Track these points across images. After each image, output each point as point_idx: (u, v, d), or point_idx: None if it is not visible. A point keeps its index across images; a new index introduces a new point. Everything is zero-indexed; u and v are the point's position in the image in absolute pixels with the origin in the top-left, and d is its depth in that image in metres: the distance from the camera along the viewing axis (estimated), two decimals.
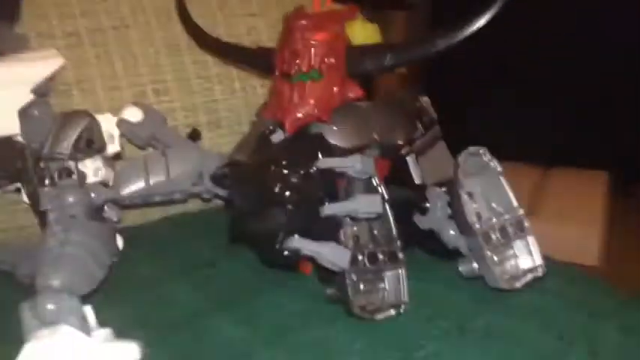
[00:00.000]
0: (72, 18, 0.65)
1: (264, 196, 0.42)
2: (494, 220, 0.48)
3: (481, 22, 0.46)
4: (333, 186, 0.44)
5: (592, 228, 1.44)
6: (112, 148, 0.57)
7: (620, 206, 1.59)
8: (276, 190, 0.41)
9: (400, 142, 0.53)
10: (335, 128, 0.50)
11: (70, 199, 0.46)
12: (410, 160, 0.56)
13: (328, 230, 0.42)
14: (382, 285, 0.46)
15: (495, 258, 0.46)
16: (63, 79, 0.64)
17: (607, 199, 1.56)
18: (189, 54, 0.69)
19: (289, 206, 0.41)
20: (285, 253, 0.41)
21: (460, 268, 0.49)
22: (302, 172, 0.42)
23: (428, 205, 0.52)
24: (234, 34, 0.72)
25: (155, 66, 0.68)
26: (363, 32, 0.53)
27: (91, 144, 0.55)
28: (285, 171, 0.41)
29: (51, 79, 0.57)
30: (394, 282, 0.46)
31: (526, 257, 0.48)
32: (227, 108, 0.71)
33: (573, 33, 1.63)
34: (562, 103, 1.73)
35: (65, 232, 0.44)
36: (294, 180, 0.41)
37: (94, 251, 0.43)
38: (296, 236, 0.41)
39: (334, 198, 0.44)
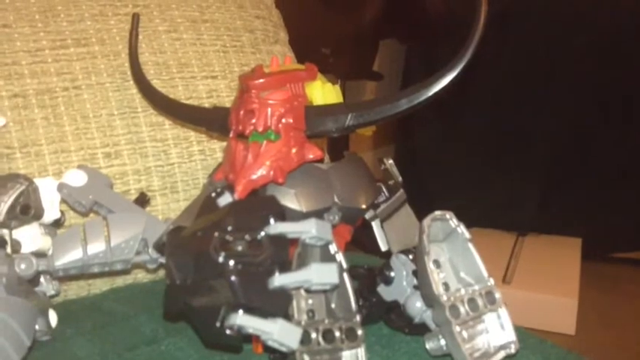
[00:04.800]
0: (20, 78, 0.62)
1: (206, 265, 0.37)
2: (462, 291, 0.44)
3: (444, 82, 0.44)
4: (286, 254, 0.40)
5: (569, 298, 1.41)
6: (52, 214, 0.53)
7: (592, 272, 1.59)
8: (220, 259, 0.36)
9: (363, 207, 0.50)
10: (292, 190, 0.46)
11: None
12: (374, 225, 0.52)
13: (278, 304, 0.38)
14: None
15: (465, 334, 0.42)
16: (6, 142, 0.60)
17: (581, 267, 1.56)
18: (144, 116, 0.66)
19: (233, 277, 0.36)
20: (228, 331, 0.36)
21: (427, 346, 0.44)
22: (249, 238, 0.38)
23: (392, 274, 0.48)
24: (194, 96, 0.70)
25: (108, 128, 0.64)
26: (323, 92, 0.50)
27: (27, 210, 0.51)
28: (230, 237, 0.37)
29: None
30: None
31: (498, 332, 0.44)
32: (184, 172, 0.67)
33: (544, 96, 1.65)
34: (534, 169, 1.73)
35: None
36: (239, 248, 0.37)
37: (10, 330, 0.37)
38: (240, 312, 0.36)
39: (286, 267, 0.39)
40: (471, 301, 0.44)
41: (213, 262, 0.36)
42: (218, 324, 0.36)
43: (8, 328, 0.38)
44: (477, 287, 0.45)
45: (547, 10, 1.59)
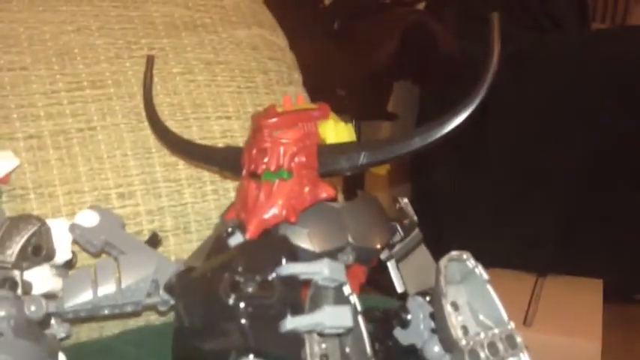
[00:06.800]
0: (36, 120, 0.63)
1: (215, 308, 0.36)
2: (482, 334, 0.42)
3: (457, 121, 0.44)
4: (298, 296, 0.39)
5: (592, 341, 1.37)
6: (63, 255, 0.52)
7: (615, 314, 1.55)
8: (230, 301, 0.35)
9: (378, 246, 0.49)
10: (304, 230, 0.46)
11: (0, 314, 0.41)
12: (390, 265, 0.51)
13: (290, 348, 0.37)
14: None
15: None
16: (20, 182, 0.60)
17: (603, 308, 1.52)
18: (158, 156, 0.66)
19: (243, 321, 0.35)
20: None
21: None
22: (260, 279, 0.37)
23: (409, 317, 0.47)
24: (208, 137, 0.70)
25: (122, 169, 0.65)
26: (335, 131, 0.50)
27: (39, 251, 0.50)
28: (241, 278, 0.36)
29: (3, 182, 0.54)
30: None
31: None
32: (197, 212, 0.67)
33: (563, 134, 1.64)
34: (553, 208, 1.71)
35: None
36: (250, 289, 0.36)
37: None
38: (251, 357, 0.35)
39: (298, 310, 0.38)
40: (491, 346, 0.42)
41: (223, 304, 0.36)
42: None
43: None
44: (496, 331, 0.43)
45: (566, 49, 1.59)
